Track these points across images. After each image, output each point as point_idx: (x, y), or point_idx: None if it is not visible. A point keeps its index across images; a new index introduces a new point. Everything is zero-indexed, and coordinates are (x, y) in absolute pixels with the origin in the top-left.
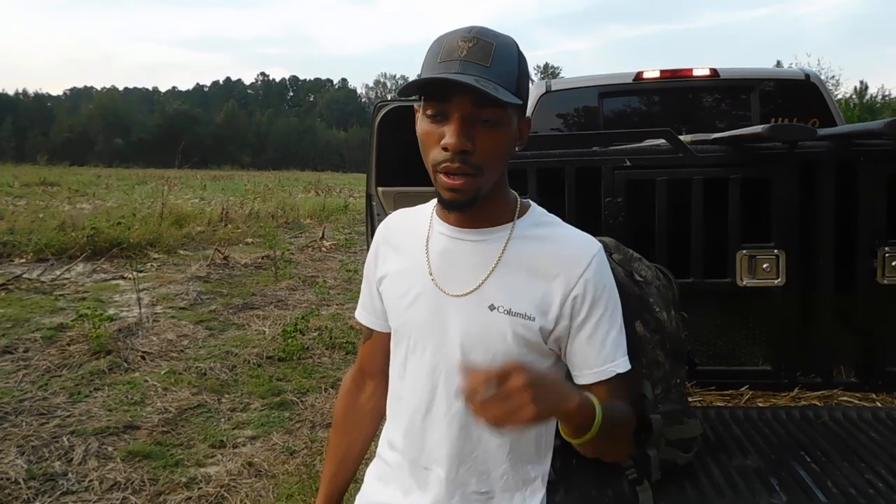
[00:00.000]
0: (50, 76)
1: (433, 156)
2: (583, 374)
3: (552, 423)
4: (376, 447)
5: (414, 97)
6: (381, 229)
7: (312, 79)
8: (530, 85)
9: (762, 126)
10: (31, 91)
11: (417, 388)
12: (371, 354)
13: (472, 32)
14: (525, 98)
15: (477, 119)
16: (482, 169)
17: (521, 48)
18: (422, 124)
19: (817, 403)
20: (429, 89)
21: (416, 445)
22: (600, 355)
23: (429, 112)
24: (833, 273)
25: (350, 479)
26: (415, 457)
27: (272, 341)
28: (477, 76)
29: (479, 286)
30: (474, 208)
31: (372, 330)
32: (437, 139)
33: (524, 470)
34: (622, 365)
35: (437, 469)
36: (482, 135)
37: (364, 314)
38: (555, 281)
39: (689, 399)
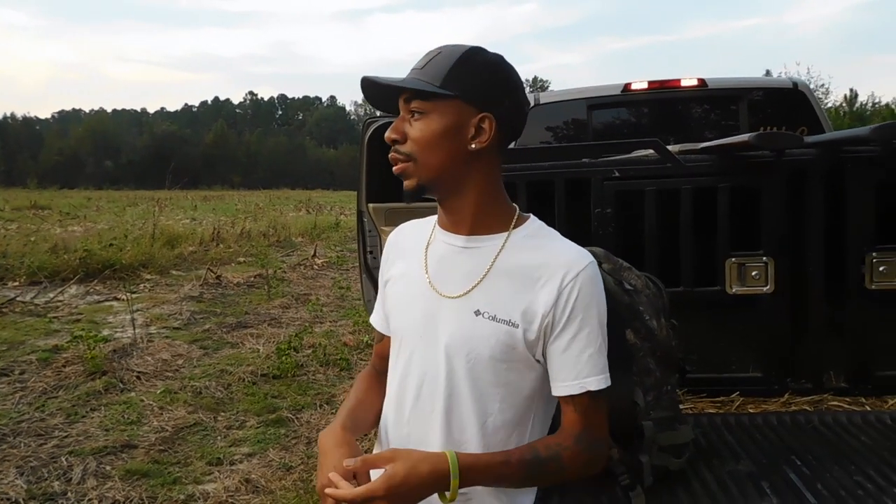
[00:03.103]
0: (37, 99)
1: None
2: (556, 385)
3: (527, 432)
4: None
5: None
6: (393, 236)
7: (301, 97)
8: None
9: (750, 135)
10: (18, 114)
11: (406, 387)
12: (382, 356)
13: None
14: (463, 92)
15: (408, 113)
16: (412, 156)
17: (509, 60)
18: None
19: (808, 409)
20: (374, 97)
21: (401, 443)
22: (573, 369)
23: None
24: (822, 279)
25: (368, 425)
26: None
27: (266, 359)
28: (415, 78)
29: (468, 292)
30: (453, 205)
31: (383, 335)
32: None
33: None
34: (594, 383)
35: None
36: (410, 126)
37: (377, 319)
38: (542, 290)
39: (681, 406)
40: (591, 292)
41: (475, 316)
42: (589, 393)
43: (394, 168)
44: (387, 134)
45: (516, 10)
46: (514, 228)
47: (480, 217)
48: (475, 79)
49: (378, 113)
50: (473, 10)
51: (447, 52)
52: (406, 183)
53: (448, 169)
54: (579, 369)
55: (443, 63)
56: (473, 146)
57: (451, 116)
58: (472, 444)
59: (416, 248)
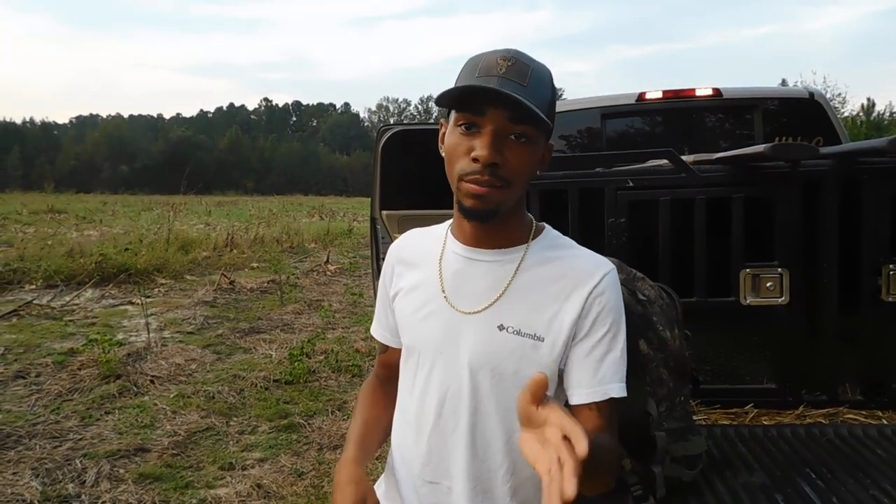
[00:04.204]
0: (56, 104)
1: (460, 166)
2: (575, 392)
3: None
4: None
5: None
6: (395, 247)
7: (315, 103)
8: None
9: (765, 145)
10: (37, 119)
11: (425, 404)
12: (386, 365)
13: (510, 53)
14: (553, 123)
15: (509, 134)
16: (509, 182)
17: None
18: (451, 136)
19: (823, 421)
20: (465, 99)
21: (422, 461)
22: (596, 375)
23: (461, 123)
24: (837, 291)
25: (377, 445)
26: (421, 472)
27: (279, 365)
28: (529, 103)
29: (490, 306)
30: (493, 223)
31: (386, 346)
32: (465, 151)
33: (526, 489)
34: (617, 390)
35: (444, 483)
36: (512, 149)
37: (379, 330)
38: (566, 302)
39: (694, 417)
40: (613, 298)
41: (499, 331)
42: (610, 400)
43: (481, 189)
44: (492, 155)
45: (529, 18)
46: (532, 240)
47: (506, 232)
48: (555, 109)
49: (392, 120)
50: (486, 17)
51: (539, 71)
52: (483, 204)
53: (520, 196)
54: (602, 375)
55: (543, 86)
56: (539, 173)
57: (541, 144)
58: (498, 460)
59: (425, 261)
